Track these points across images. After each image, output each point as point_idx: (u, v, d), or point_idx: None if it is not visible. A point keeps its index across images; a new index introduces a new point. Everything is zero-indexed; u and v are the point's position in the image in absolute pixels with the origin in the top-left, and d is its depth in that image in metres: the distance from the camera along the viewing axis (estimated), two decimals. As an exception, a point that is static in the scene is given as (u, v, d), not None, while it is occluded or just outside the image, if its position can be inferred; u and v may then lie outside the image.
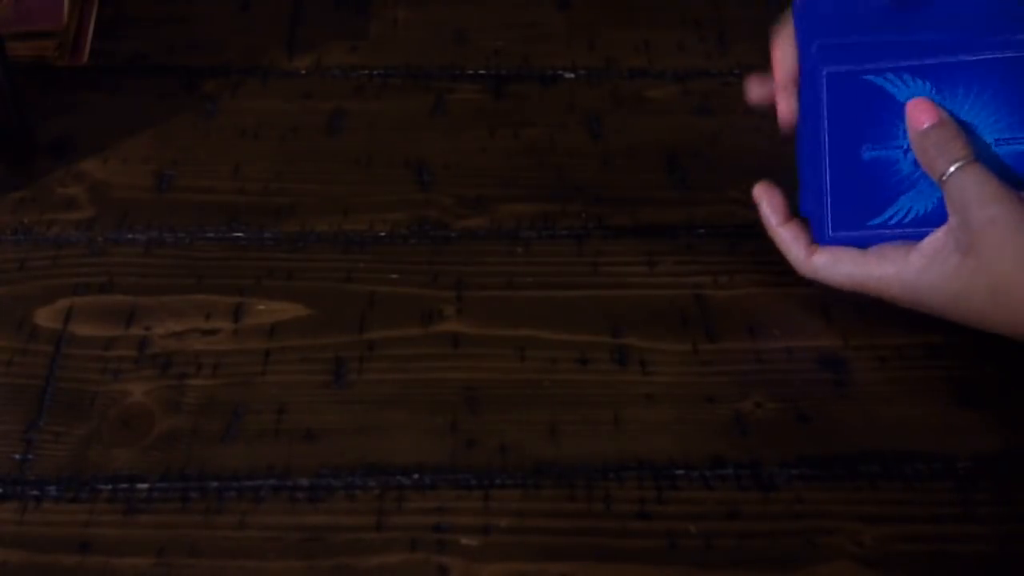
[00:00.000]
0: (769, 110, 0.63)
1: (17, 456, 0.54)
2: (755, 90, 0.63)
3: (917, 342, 0.59)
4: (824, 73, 0.59)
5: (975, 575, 0.51)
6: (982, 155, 0.56)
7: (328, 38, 0.77)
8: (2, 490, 0.53)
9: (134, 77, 0.74)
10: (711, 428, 0.56)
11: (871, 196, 0.59)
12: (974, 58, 0.57)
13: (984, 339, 0.56)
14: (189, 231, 0.65)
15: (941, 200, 0.56)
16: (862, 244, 0.59)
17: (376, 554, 0.51)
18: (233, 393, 0.57)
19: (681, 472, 0.54)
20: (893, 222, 0.59)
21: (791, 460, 0.55)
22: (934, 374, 0.59)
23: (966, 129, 0.57)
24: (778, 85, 0.62)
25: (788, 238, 0.60)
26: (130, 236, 0.64)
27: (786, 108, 0.62)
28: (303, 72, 0.75)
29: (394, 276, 0.63)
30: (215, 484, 0.53)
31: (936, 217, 0.57)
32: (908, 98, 0.58)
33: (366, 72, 0.75)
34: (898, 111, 0.58)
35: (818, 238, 0.60)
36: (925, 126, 0.57)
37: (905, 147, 0.58)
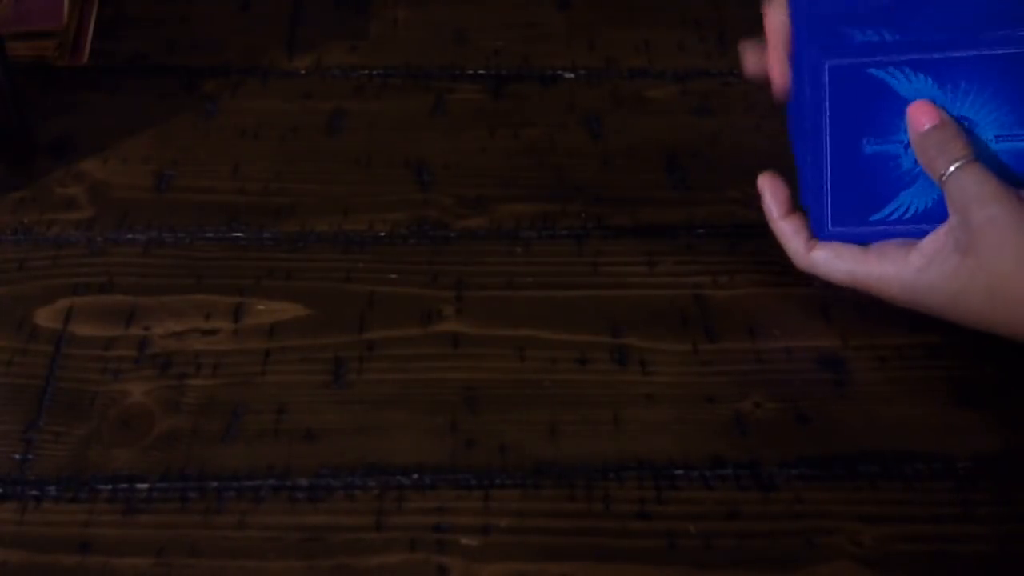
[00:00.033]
0: (764, 81, 0.62)
1: (17, 456, 0.54)
2: (750, 59, 0.63)
3: (917, 342, 0.59)
4: (827, 66, 0.59)
5: (975, 575, 0.51)
6: (982, 155, 0.56)
7: (328, 38, 0.77)
8: (2, 490, 0.53)
9: (134, 77, 0.74)
10: (711, 428, 0.56)
11: (871, 191, 0.59)
12: (976, 54, 0.57)
13: (984, 339, 0.56)
14: (189, 231, 0.65)
15: (941, 196, 0.56)
16: (861, 240, 0.59)
17: (376, 554, 0.51)
18: (233, 393, 0.57)
19: (681, 472, 0.54)
20: (893, 218, 0.59)
21: (791, 460, 0.55)
22: (934, 374, 0.59)
23: (966, 127, 0.57)
24: (772, 51, 0.61)
25: (789, 231, 0.60)
26: (130, 236, 0.64)
27: (780, 74, 0.61)
28: (303, 72, 0.75)
29: (394, 276, 0.63)
30: (215, 484, 0.53)
31: (936, 214, 0.57)
32: (909, 92, 0.58)
33: (366, 72, 0.75)
34: (899, 105, 0.58)
35: (817, 232, 0.60)
36: (926, 127, 0.57)
37: (905, 142, 0.58)
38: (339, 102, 0.73)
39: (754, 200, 0.62)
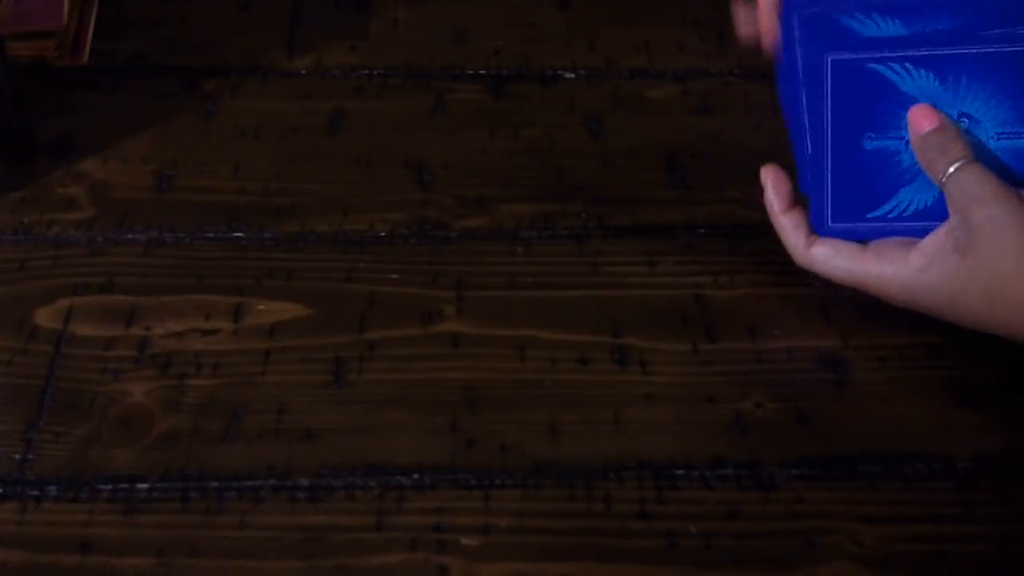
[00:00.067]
0: (757, 42, 0.62)
1: (17, 456, 0.54)
2: (742, 19, 0.63)
3: (917, 342, 0.59)
4: (828, 60, 0.58)
5: (975, 575, 0.51)
6: (982, 156, 0.56)
7: (328, 38, 0.77)
8: (2, 490, 0.53)
9: (134, 77, 0.74)
10: (711, 428, 0.56)
11: (871, 188, 0.59)
12: (978, 50, 0.57)
13: (984, 339, 0.56)
14: (189, 231, 0.65)
15: (941, 195, 0.56)
16: (861, 237, 0.59)
17: (376, 554, 0.51)
18: (233, 393, 0.57)
19: (681, 472, 0.54)
20: (893, 215, 0.59)
21: (791, 460, 0.55)
22: (934, 374, 0.59)
23: (967, 124, 0.57)
24: (762, 10, 0.61)
25: (789, 226, 0.60)
26: (130, 236, 0.64)
27: (770, 31, 0.61)
28: (303, 72, 0.75)
29: (394, 276, 0.63)
30: (215, 484, 0.53)
31: (936, 212, 0.57)
32: (911, 88, 0.58)
33: (366, 72, 0.75)
34: (900, 101, 0.58)
35: (817, 228, 0.60)
36: (926, 130, 0.57)
37: (906, 139, 0.58)
38: (339, 102, 0.73)
39: (754, 200, 0.62)
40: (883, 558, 0.51)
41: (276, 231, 0.65)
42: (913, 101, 0.58)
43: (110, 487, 0.53)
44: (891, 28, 0.58)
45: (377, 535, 0.52)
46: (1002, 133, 0.58)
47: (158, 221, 0.65)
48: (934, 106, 0.58)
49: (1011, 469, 0.55)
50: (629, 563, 0.51)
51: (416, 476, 0.54)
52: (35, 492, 0.53)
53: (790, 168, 0.61)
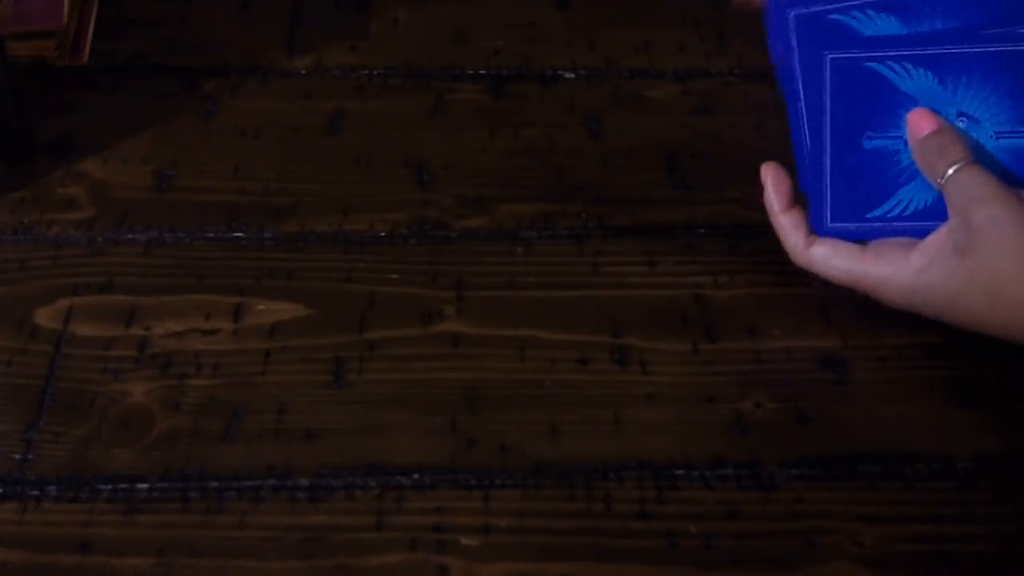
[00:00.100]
0: (748, 4, 0.62)
1: (17, 456, 0.54)
2: None
3: (917, 342, 0.59)
4: (827, 59, 0.58)
5: (975, 575, 0.51)
6: (982, 158, 0.56)
7: (328, 38, 0.77)
8: (2, 490, 0.53)
9: (134, 77, 0.74)
10: (711, 428, 0.56)
11: (870, 187, 0.59)
12: (978, 50, 0.57)
13: (984, 339, 0.56)
14: (189, 231, 0.65)
15: (941, 194, 0.56)
16: (860, 237, 0.59)
17: (376, 554, 0.51)
18: (233, 393, 0.57)
19: (681, 472, 0.54)
20: (892, 215, 0.59)
21: (791, 460, 0.55)
22: (934, 374, 0.59)
23: (966, 123, 0.57)
24: None
25: (788, 226, 0.60)
26: (130, 236, 0.64)
27: None
28: (303, 72, 0.75)
29: (394, 276, 0.63)
30: (215, 484, 0.53)
31: (935, 212, 0.57)
32: (910, 87, 0.58)
33: (366, 72, 0.75)
34: (899, 100, 0.58)
35: (816, 228, 0.60)
36: (925, 133, 0.57)
37: (905, 137, 0.58)
38: (339, 102, 0.73)
39: (754, 200, 0.62)
40: (883, 558, 0.51)
41: (276, 231, 0.65)
42: (912, 100, 0.58)
43: (110, 487, 0.53)
44: (890, 27, 0.58)
45: (377, 535, 0.52)
46: (1001, 133, 0.58)
47: (158, 221, 0.65)
48: (932, 107, 0.58)
49: (1011, 469, 0.55)
50: (629, 563, 0.51)
51: (416, 476, 0.54)
52: (35, 492, 0.53)
53: (790, 167, 0.61)
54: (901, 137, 0.58)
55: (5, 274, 0.62)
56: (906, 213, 0.59)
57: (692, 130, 0.71)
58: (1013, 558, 0.52)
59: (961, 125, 0.58)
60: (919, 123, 0.57)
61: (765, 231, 0.62)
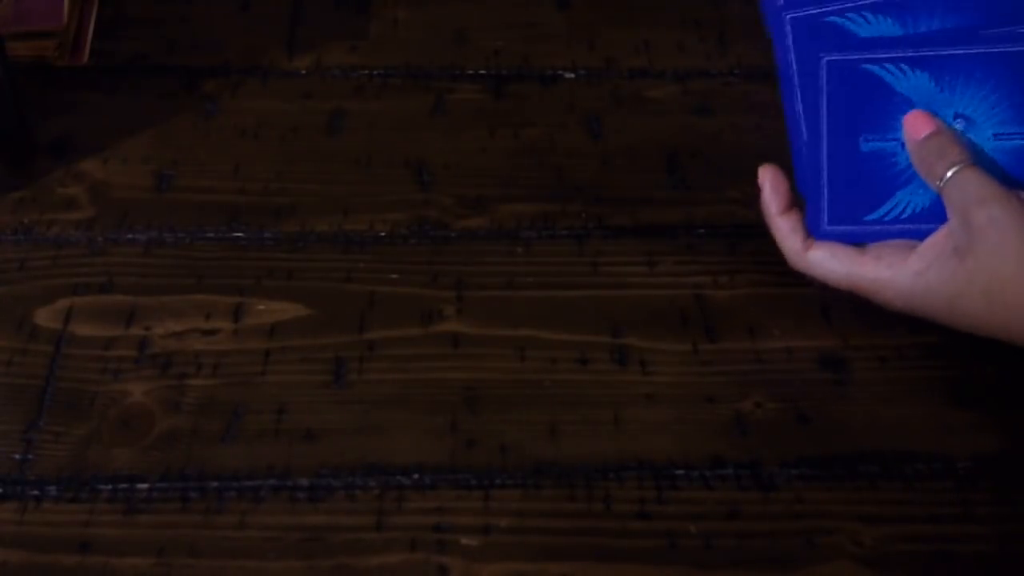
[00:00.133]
0: None
1: (17, 456, 0.54)
2: None
3: (917, 342, 0.59)
4: (824, 62, 0.58)
5: (975, 575, 0.51)
6: (980, 159, 0.56)
7: (328, 38, 0.77)
8: (2, 490, 0.53)
9: (134, 77, 0.74)
10: (711, 428, 0.56)
11: (868, 190, 0.59)
12: (975, 51, 0.57)
13: (984, 339, 0.56)
14: (189, 231, 0.65)
15: (938, 196, 0.56)
16: (858, 239, 0.59)
17: (376, 554, 0.51)
18: (233, 393, 0.57)
19: (681, 472, 0.54)
20: (889, 218, 0.59)
21: (791, 460, 0.55)
22: (934, 374, 0.59)
23: (964, 125, 0.57)
24: None
25: (785, 229, 0.60)
26: (130, 236, 0.64)
27: None
28: (303, 72, 0.75)
29: (394, 276, 0.63)
30: (215, 484, 0.53)
31: (933, 214, 0.57)
32: (907, 89, 0.58)
33: (366, 72, 0.75)
34: (896, 102, 0.58)
35: (813, 231, 0.60)
36: (923, 135, 0.57)
37: (902, 139, 0.58)
38: (339, 102, 0.73)
39: (754, 200, 0.62)
40: (883, 558, 0.51)
41: (276, 231, 0.65)
42: (909, 102, 0.58)
43: (110, 487, 0.53)
44: (886, 28, 0.58)
45: (377, 535, 0.52)
46: (999, 134, 0.57)
47: (158, 221, 0.65)
48: (930, 108, 0.58)
49: (1011, 469, 0.55)
50: (629, 563, 0.51)
51: (416, 476, 0.54)
52: (35, 492, 0.53)
53: (790, 168, 0.61)
54: (898, 139, 0.58)
55: (5, 274, 0.62)
56: (904, 216, 0.59)
57: (692, 130, 0.71)
58: (1013, 558, 0.52)
59: (959, 127, 0.58)
60: (917, 125, 0.57)
61: (765, 231, 0.62)
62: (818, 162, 0.59)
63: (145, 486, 0.53)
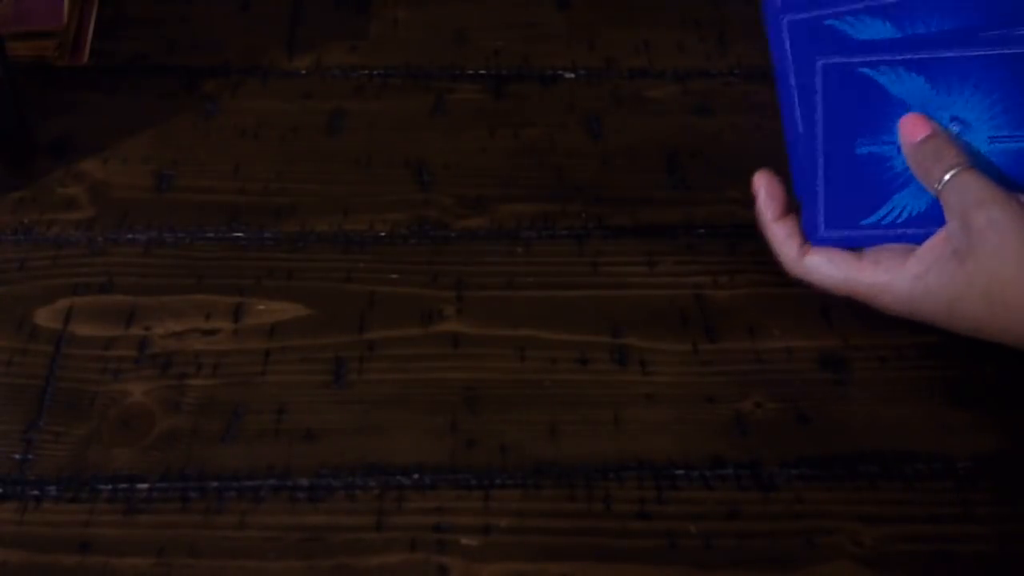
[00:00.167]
0: None
1: (17, 456, 0.54)
2: None
3: (917, 342, 0.59)
4: (819, 65, 0.58)
5: (975, 575, 0.51)
6: (977, 162, 0.56)
7: (328, 38, 0.77)
8: (2, 490, 0.53)
9: (134, 77, 0.74)
10: (711, 428, 0.56)
11: (865, 194, 0.59)
12: (971, 54, 0.57)
13: (983, 340, 0.56)
14: (189, 231, 0.65)
15: (935, 199, 0.56)
16: (855, 244, 0.59)
17: (376, 554, 0.51)
18: (233, 393, 0.57)
19: (681, 472, 0.54)
20: (886, 222, 0.59)
21: (791, 460, 0.55)
22: (934, 374, 0.59)
23: (960, 129, 0.57)
24: None
25: (781, 235, 0.60)
26: (130, 236, 0.64)
27: None
28: (303, 72, 0.75)
29: (394, 276, 0.63)
30: (215, 484, 0.53)
31: (930, 218, 0.57)
32: (902, 92, 0.58)
33: (366, 72, 0.75)
34: (892, 106, 0.58)
35: (810, 236, 0.60)
36: (919, 138, 0.57)
37: (898, 143, 0.58)
38: (339, 102, 0.73)
39: (753, 201, 0.62)
40: (883, 558, 0.51)
41: (276, 231, 0.65)
42: (905, 105, 0.58)
43: (110, 487, 0.53)
44: (882, 31, 0.58)
45: (377, 535, 0.52)
46: (995, 137, 0.57)
47: (158, 221, 0.65)
48: (926, 112, 0.57)
49: (1011, 469, 0.55)
50: (629, 563, 0.51)
51: (416, 476, 0.54)
52: (35, 492, 0.53)
53: (786, 172, 0.61)
54: (894, 143, 0.58)
55: (5, 274, 0.62)
56: (900, 220, 0.59)
57: (692, 130, 0.71)
58: (1013, 558, 0.52)
59: (955, 130, 0.58)
60: (913, 128, 0.57)
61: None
62: (814, 166, 0.59)
63: (145, 486, 0.53)
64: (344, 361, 0.58)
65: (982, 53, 0.57)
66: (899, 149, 0.58)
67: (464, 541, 0.52)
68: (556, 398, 0.57)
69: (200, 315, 0.60)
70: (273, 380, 0.58)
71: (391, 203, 0.66)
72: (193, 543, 0.51)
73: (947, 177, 0.55)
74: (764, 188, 0.60)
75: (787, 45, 0.59)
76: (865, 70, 0.58)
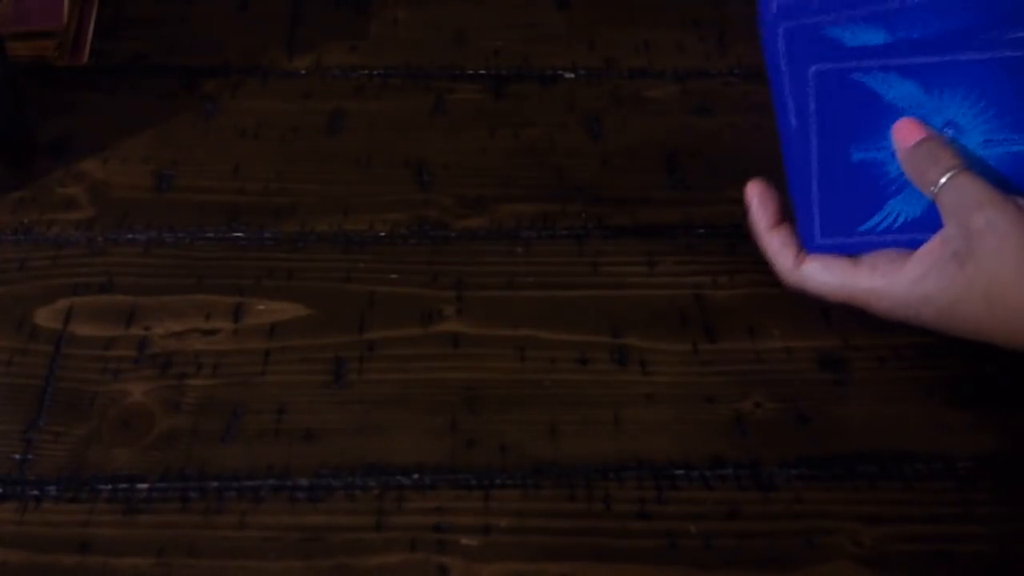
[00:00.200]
0: None
1: (17, 456, 0.54)
2: None
3: (917, 342, 0.59)
4: (812, 71, 0.58)
5: (975, 575, 0.51)
6: (972, 164, 0.56)
7: (328, 38, 0.77)
8: (2, 490, 0.53)
9: (134, 77, 0.74)
10: (711, 428, 0.56)
11: (860, 200, 0.59)
12: (964, 58, 0.57)
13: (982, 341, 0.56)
14: (189, 231, 0.65)
15: (930, 205, 0.56)
16: (851, 251, 0.59)
17: (376, 554, 0.51)
18: (233, 393, 0.57)
19: (681, 472, 0.54)
20: (882, 228, 0.59)
21: (791, 460, 0.55)
22: (934, 374, 0.59)
23: (953, 133, 0.57)
24: None
25: (776, 244, 0.59)
26: (130, 236, 0.64)
27: None
28: (303, 72, 0.75)
29: (394, 276, 0.63)
30: (215, 484, 0.53)
31: (925, 223, 0.57)
32: (895, 98, 0.58)
33: (366, 72, 0.75)
34: (885, 111, 0.58)
35: (806, 244, 0.59)
36: (913, 142, 0.56)
37: (892, 149, 0.58)
38: (339, 102, 0.73)
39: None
40: (883, 558, 0.51)
41: (276, 231, 0.65)
42: (898, 111, 0.58)
43: (110, 487, 0.53)
44: (875, 37, 0.58)
45: (377, 535, 0.52)
46: (989, 140, 0.57)
47: (158, 221, 0.65)
48: (919, 117, 0.57)
49: (1011, 469, 0.55)
50: (629, 563, 0.51)
51: (416, 476, 0.54)
52: (35, 492, 0.53)
53: (783, 176, 0.61)
54: (888, 149, 0.58)
55: (5, 274, 0.62)
56: (896, 225, 0.59)
57: (692, 130, 0.71)
58: (1013, 558, 0.52)
59: (948, 134, 0.57)
60: (907, 133, 0.57)
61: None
62: (809, 174, 0.59)
63: (145, 486, 0.53)
64: (344, 361, 0.58)
65: (974, 57, 0.56)
66: (893, 155, 0.58)
67: (464, 541, 0.52)
68: (556, 398, 0.57)
69: (200, 315, 0.60)
70: (273, 380, 0.58)
71: (391, 203, 0.66)
72: (193, 543, 0.51)
73: (943, 180, 0.55)
74: (756, 198, 0.60)
75: (781, 52, 0.59)
76: (858, 76, 0.58)
